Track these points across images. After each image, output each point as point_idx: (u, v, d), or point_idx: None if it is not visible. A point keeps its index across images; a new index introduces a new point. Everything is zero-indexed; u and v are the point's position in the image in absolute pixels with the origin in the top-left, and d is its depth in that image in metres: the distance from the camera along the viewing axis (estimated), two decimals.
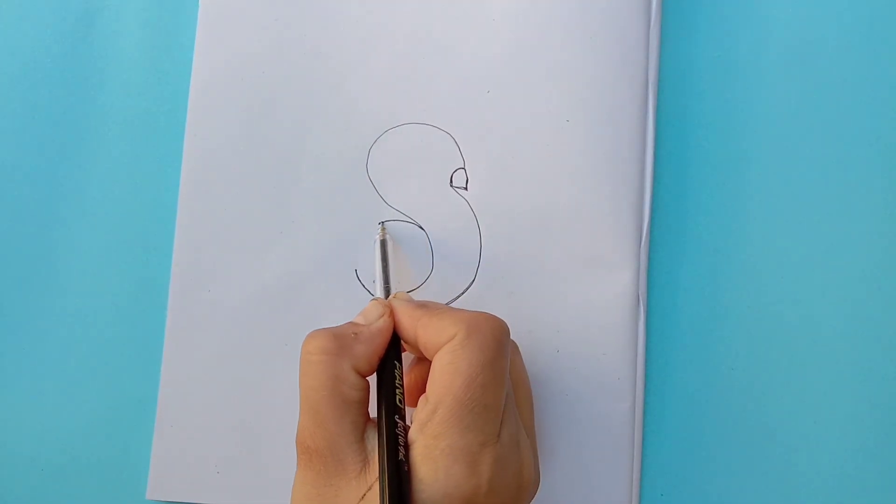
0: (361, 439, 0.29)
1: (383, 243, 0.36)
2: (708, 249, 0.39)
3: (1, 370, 0.40)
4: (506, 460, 0.29)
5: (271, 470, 0.37)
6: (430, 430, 0.28)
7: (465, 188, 0.38)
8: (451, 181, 0.38)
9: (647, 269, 0.37)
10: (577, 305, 0.37)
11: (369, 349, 0.31)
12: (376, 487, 0.28)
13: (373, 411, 0.31)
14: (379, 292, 0.35)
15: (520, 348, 0.34)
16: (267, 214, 0.38)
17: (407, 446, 0.29)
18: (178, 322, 0.38)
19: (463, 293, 0.37)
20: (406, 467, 0.28)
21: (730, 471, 0.37)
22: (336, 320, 0.37)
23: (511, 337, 0.31)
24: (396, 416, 0.29)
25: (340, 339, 0.30)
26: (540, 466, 0.33)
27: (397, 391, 0.31)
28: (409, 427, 0.30)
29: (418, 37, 0.39)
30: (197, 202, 0.38)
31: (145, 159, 0.40)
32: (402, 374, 0.31)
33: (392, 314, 0.32)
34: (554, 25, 0.38)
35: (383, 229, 0.37)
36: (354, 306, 0.38)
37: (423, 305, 0.32)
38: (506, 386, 0.30)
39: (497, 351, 0.29)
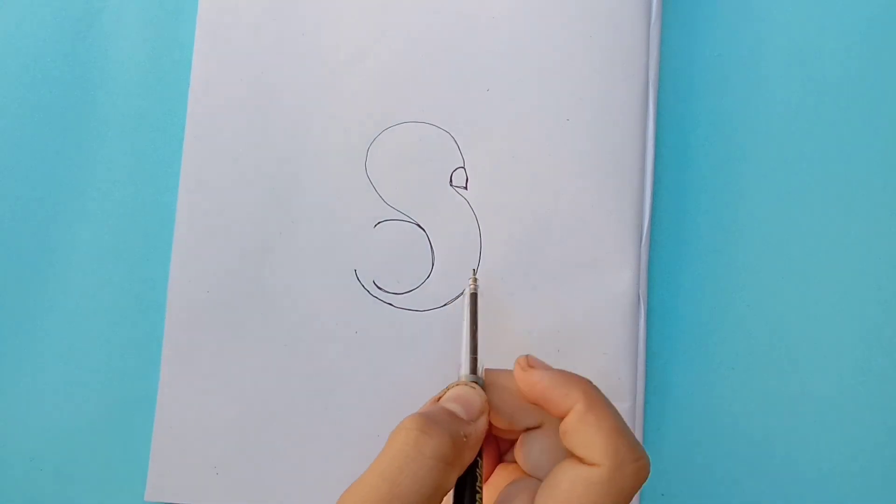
0: None
1: (474, 297, 0.30)
2: (708, 249, 0.39)
3: (1, 370, 0.40)
4: None
5: (271, 471, 0.37)
6: None
7: (465, 187, 0.38)
8: (451, 180, 0.38)
9: (648, 269, 0.37)
10: (577, 305, 0.37)
11: (473, 454, 0.28)
12: None
13: None
14: (464, 368, 0.30)
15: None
16: (266, 214, 0.38)
17: None
18: (177, 322, 0.38)
19: (463, 293, 0.37)
20: None
21: (730, 471, 0.37)
22: (336, 321, 0.37)
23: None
24: None
25: (457, 446, 0.27)
26: None
27: (477, 496, 0.28)
28: None
29: (418, 35, 0.39)
30: (196, 202, 0.38)
31: (145, 159, 0.40)
32: (482, 475, 0.29)
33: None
34: (554, 24, 0.38)
35: (475, 280, 0.31)
36: (354, 306, 0.38)
37: (532, 368, 0.29)
38: None
39: (627, 500, 0.27)
